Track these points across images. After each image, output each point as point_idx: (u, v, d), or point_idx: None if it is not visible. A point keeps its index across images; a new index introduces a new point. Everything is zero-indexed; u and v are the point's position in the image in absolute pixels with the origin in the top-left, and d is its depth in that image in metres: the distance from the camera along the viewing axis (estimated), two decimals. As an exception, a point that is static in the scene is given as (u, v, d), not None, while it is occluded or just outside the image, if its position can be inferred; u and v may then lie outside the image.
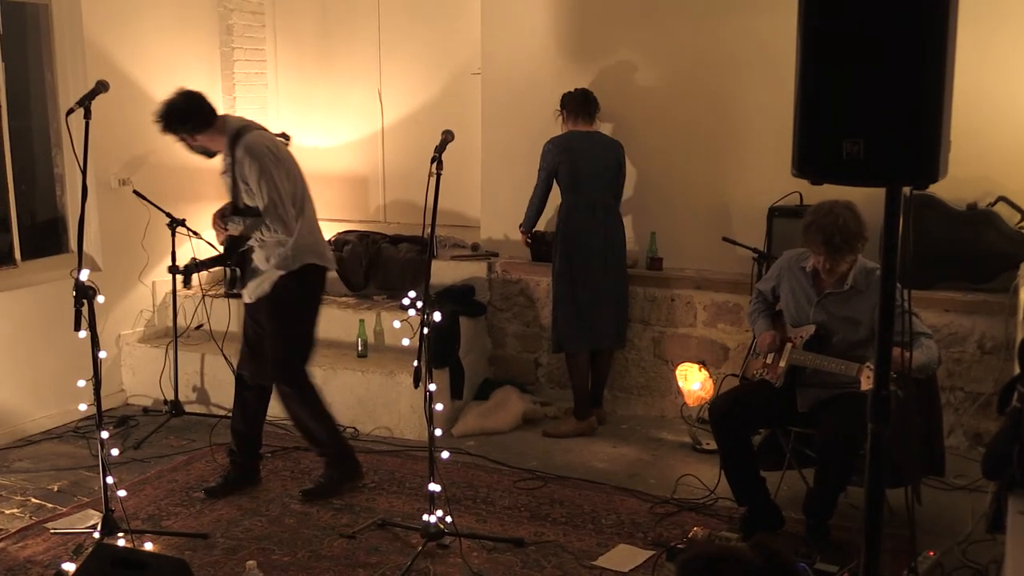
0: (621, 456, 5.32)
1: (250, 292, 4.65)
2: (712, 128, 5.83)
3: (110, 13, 6.08)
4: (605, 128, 5.76)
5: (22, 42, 5.91)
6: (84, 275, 3.99)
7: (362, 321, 6.00)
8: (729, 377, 5.45)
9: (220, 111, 4.59)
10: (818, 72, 2.26)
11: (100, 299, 4.08)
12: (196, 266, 5.38)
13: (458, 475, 4.97)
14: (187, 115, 4.40)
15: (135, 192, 5.99)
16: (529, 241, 5.92)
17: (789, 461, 4.40)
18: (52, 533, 4.36)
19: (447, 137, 4.18)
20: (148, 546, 4.14)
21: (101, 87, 4.24)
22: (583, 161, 5.42)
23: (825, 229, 3.98)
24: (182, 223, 5.88)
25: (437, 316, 4.29)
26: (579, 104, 5.49)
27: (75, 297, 3.95)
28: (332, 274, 4.87)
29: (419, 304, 4.15)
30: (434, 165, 4.04)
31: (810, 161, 2.31)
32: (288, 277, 4.55)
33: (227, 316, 6.30)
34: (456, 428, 5.67)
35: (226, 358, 5.97)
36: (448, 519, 4.21)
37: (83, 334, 3.99)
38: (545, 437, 5.59)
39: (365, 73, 7.07)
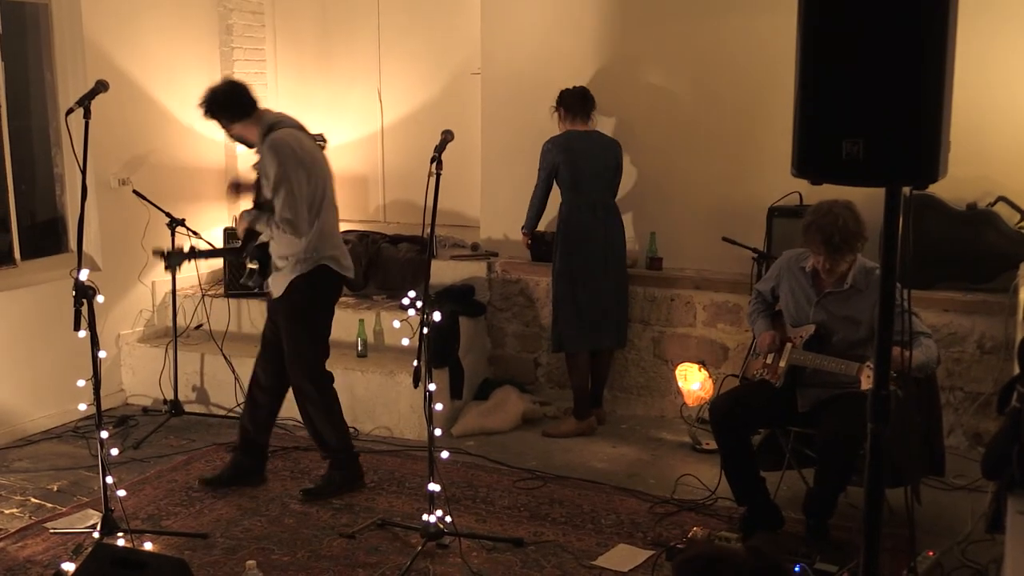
0: (621, 456, 5.32)
1: (272, 287, 4.69)
2: (712, 128, 5.83)
3: (110, 13, 6.08)
4: (605, 127, 5.76)
5: (22, 42, 5.91)
6: (84, 275, 3.99)
7: (362, 321, 6.00)
8: (729, 377, 5.46)
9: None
10: (818, 72, 2.26)
11: (100, 299, 4.07)
12: (187, 255, 5.39)
13: (458, 475, 4.97)
14: (226, 104, 4.49)
15: (135, 192, 5.99)
16: (530, 242, 5.92)
17: (789, 461, 4.40)
18: (52, 533, 4.36)
19: (447, 137, 4.18)
20: (148, 546, 4.14)
21: (101, 87, 4.25)
22: (583, 161, 5.42)
23: (825, 229, 3.98)
24: (182, 223, 5.88)
25: (437, 316, 4.29)
26: (577, 103, 5.49)
27: (75, 297, 3.95)
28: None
29: (419, 304, 4.15)
30: (434, 165, 4.04)
31: (810, 161, 2.31)
32: (301, 279, 4.56)
33: (227, 316, 6.32)
34: (456, 428, 5.67)
35: (226, 358, 5.98)
36: (448, 519, 4.21)
37: (83, 334, 3.98)
38: (545, 437, 5.59)
39: (365, 73, 7.07)
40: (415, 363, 4.08)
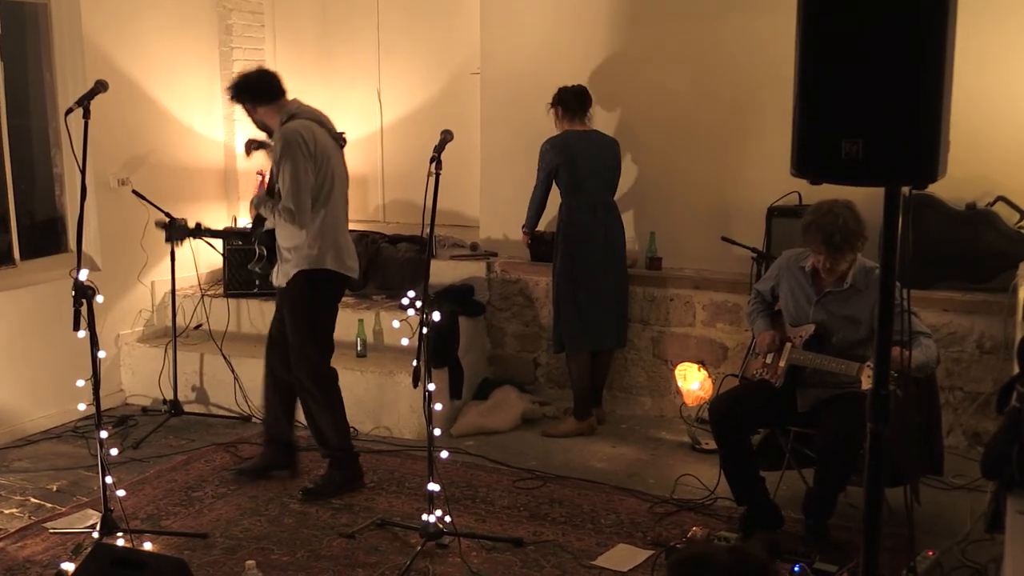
0: (620, 456, 5.32)
1: (278, 276, 4.74)
2: (711, 128, 5.83)
3: (109, 13, 6.08)
4: (605, 127, 5.75)
5: (21, 42, 5.91)
6: (83, 275, 3.99)
7: (361, 321, 6.00)
8: (728, 377, 5.46)
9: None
10: (817, 72, 2.26)
11: (99, 299, 4.07)
12: (191, 230, 5.43)
13: (457, 475, 4.97)
14: (252, 88, 4.62)
15: (134, 192, 5.99)
16: (530, 241, 5.91)
17: (788, 461, 4.40)
18: (51, 533, 4.36)
19: (446, 137, 4.18)
20: (147, 546, 4.13)
21: (100, 87, 4.25)
22: (582, 162, 5.42)
23: (825, 228, 3.98)
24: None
25: (436, 316, 4.29)
26: (577, 102, 5.47)
27: (74, 297, 3.95)
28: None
29: (418, 304, 4.15)
30: (433, 165, 4.04)
31: (809, 161, 2.31)
32: (302, 276, 4.60)
33: (226, 316, 6.32)
34: (455, 428, 5.67)
35: (225, 358, 5.98)
36: (447, 519, 4.21)
37: (82, 334, 3.98)
38: (544, 437, 5.59)
39: (364, 73, 7.07)
40: (414, 363, 4.08)
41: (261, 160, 6.76)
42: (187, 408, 6.02)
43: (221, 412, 6.04)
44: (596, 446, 5.45)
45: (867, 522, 2.46)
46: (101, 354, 4.11)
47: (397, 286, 6.24)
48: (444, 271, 6.25)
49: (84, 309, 3.97)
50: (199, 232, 5.54)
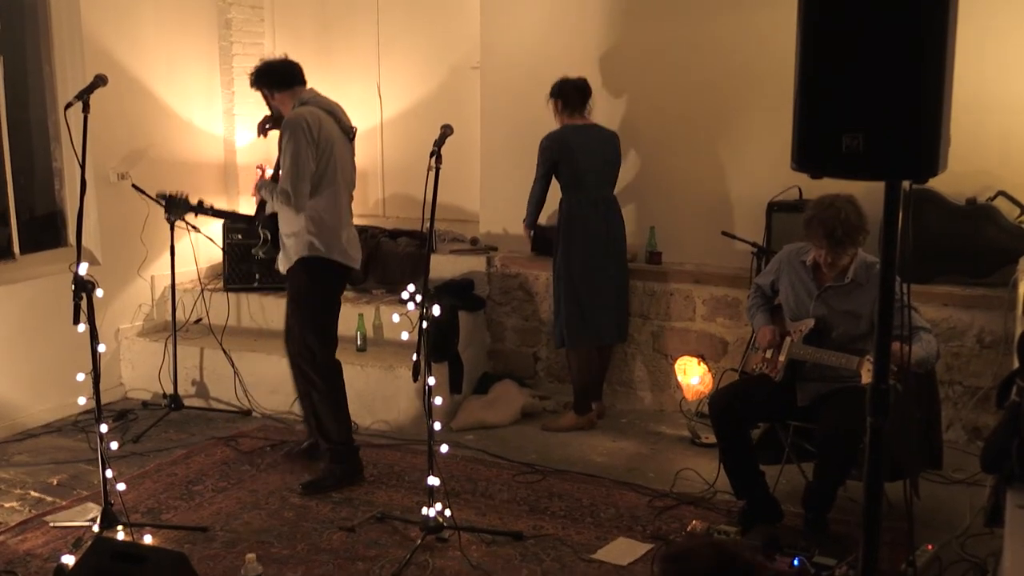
0: (620, 450, 5.33)
1: (281, 262, 4.78)
2: (711, 122, 5.82)
3: (108, 7, 6.06)
4: (605, 121, 5.74)
5: (20, 36, 5.90)
6: (83, 269, 3.99)
7: (361, 315, 6.00)
8: (728, 371, 5.44)
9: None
10: (818, 66, 2.26)
11: (99, 293, 4.07)
12: (193, 206, 5.44)
13: (457, 469, 4.97)
14: (272, 74, 4.71)
15: (134, 186, 5.99)
16: (532, 234, 5.87)
17: (788, 455, 4.40)
18: (51, 526, 4.36)
19: (446, 131, 4.18)
20: (147, 539, 4.14)
21: (100, 81, 4.25)
22: (582, 157, 5.41)
23: (827, 222, 3.98)
24: (173, 219, 5.86)
25: (436, 310, 4.29)
26: (577, 95, 5.45)
27: (74, 291, 3.95)
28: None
29: (418, 298, 4.15)
30: (433, 159, 4.04)
31: (809, 155, 2.31)
32: (299, 264, 4.64)
33: (226, 310, 6.32)
34: (455, 422, 5.67)
35: (225, 352, 5.98)
36: (447, 513, 4.21)
37: (82, 328, 3.98)
38: (544, 431, 5.60)
39: (364, 67, 7.06)
40: (414, 357, 4.08)
41: (262, 151, 6.79)
42: (187, 402, 6.02)
43: (221, 406, 6.04)
44: (596, 440, 5.46)
45: (867, 516, 2.46)
46: (101, 348, 4.11)
47: (397, 280, 6.24)
48: (444, 265, 6.25)
49: (84, 303, 3.98)
50: (201, 208, 5.54)
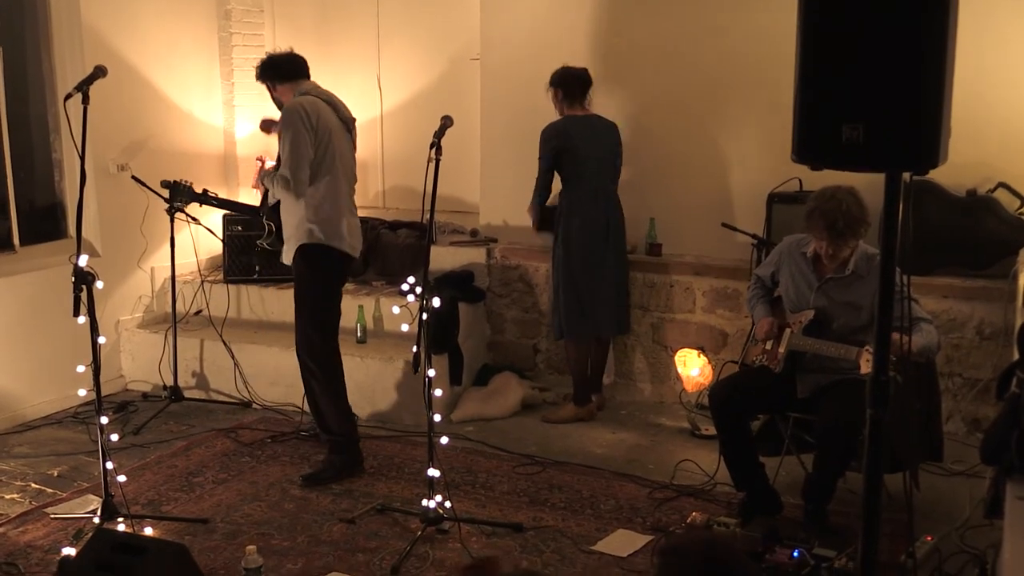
0: (620, 441, 5.33)
1: (284, 256, 4.80)
2: (711, 114, 5.81)
3: (108, -2, 6.06)
4: (605, 112, 5.72)
5: (20, 27, 5.89)
6: (83, 261, 3.99)
7: (361, 307, 6.00)
8: (728, 363, 5.46)
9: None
10: (818, 57, 2.25)
11: (99, 285, 4.08)
12: (197, 195, 5.45)
13: (457, 460, 4.98)
14: (275, 67, 4.75)
15: (133, 177, 5.97)
16: (536, 215, 5.70)
17: (788, 446, 4.41)
18: (52, 518, 4.37)
19: (446, 122, 4.17)
20: (148, 531, 4.15)
21: (99, 72, 4.24)
22: (584, 149, 5.39)
23: (828, 214, 3.97)
24: (181, 209, 5.86)
25: (436, 302, 4.29)
26: (578, 85, 5.42)
27: (74, 283, 3.95)
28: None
29: (418, 290, 4.15)
30: (433, 151, 4.04)
31: (810, 146, 2.31)
32: (299, 252, 4.65)
33: (226, 302, 6.32)
34: (455, 414, 5.68)
35: (225, 344, 5.98)
36: (447, 504, 4.22)
37: (82, 320, 3.99)
38: (544, 423, 5.60)
39: (364, 58, 7.05)
40: (414, 349, 4.09)
41: (262, 143, 6.78)
42: (187, 394, 6.02)
43: (221, 398, 6.05)
44: (596, 432, 5.46)
45: (866, 508, 2.46)
46: (101, 340, 4.12)
47: (397, 272, 6.23)
48: (444, 257, 6.25)
49: (84, 295, 3.98)
50: (205, 198, 5.54)
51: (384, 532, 4.23)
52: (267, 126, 4.99)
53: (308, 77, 4.79)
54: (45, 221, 6.07)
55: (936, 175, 2.67)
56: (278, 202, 4.74)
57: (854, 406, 3.52)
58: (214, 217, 6.47)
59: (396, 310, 5.66)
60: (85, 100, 4.08)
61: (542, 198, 5.59)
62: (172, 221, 5.83)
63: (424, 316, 4.11)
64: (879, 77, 2.18)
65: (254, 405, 5.90)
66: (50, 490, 4.72)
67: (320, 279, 4.73)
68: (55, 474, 4.93)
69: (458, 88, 6.58)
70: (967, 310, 5.09)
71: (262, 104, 5.01)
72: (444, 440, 4.33)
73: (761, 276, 4.52)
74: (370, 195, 7.17)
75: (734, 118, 5.75)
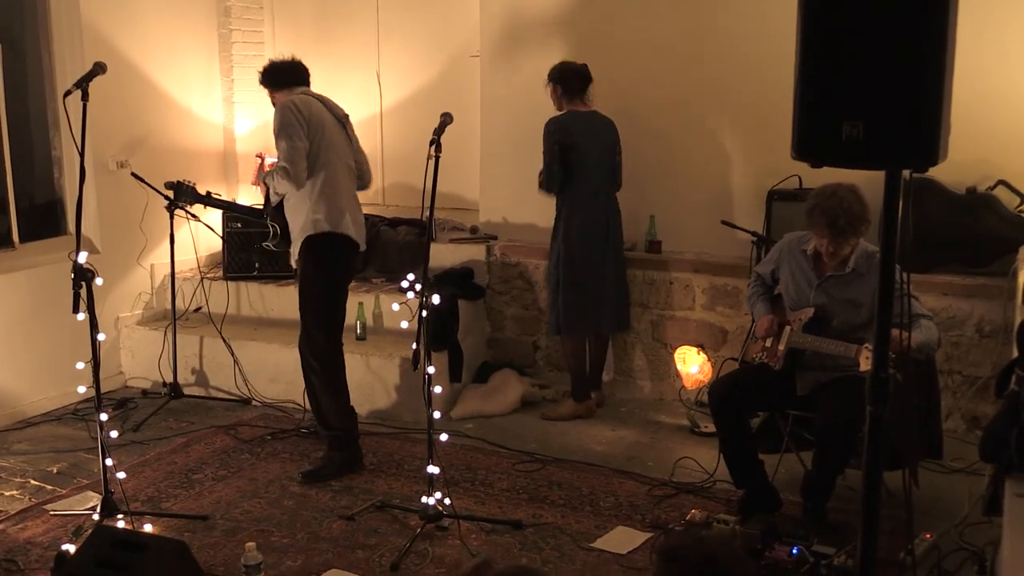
0: (619, 439, 5.33)
1: (292, 259, 4.83)
2: (711, 111, 5.81)
3: (107, -6, 6.06)
4: (604, 109, 5.72)
5: (20, 24, 5.88)
6: (82, 257, 3.99)
7: (361, 304, 6.00)
8: (728, 360, 5.45)
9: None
10: (818, 54, 2.25)
11: (98, 281, 4.07)
12: (201, 196, 5.46)
13: (457, 457, 4.98)
14: (274, 74, 4.84)
15: (133, 174, 5.97)
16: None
17: (787, 444, 4.41)
18: (52, 515, 4.37)
19: (446, 119, 4.17)
20: (147, 528, 4.15)
21: (99, 69, 4.23)
22: (584, 145, 5.38)
23: (829, 212, 3.97)
24: (181, 206, 5.86)
25: (436, 299, 4.29)
26: (578, 81, 5.41)
27: (73, 279, 3.95)
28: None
29: (418, 287, 4.15)
30: (433, 147, 4.03)
31: (809, 144, 2.31)
32: (304, 246, 4.67)
33: (226, 299, 6.32)
34: (455, 411, 5.68)
35: (225, 341, 5.98)
36: (447, 501, 4.22)
37: (82, 316, 3.98)
38: (543, 420, 5.60)
39: (363, 55, 7.04)
40: (414, 346, 4.09)
41: (262, 139, 6.77)
42: (187, 391, 6.03)
43: (221, 395, 6.05)
44: (595, 429, 5.46)
45: (865, 505, 2.46)
46: (101, 337, 4.11)
47: (397, 269, 6.23)
48: (444, 254, 6.25)
49: (83, 292, 3.98)
50: (208, 199, 5.55)
51: (384, 529, 4.23)
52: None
53: (307, 84, 4.84)
54: (45, 218, 6.07)
55: (936, 172, 2.66)
56: (281, 203, 4.74)
57: (854, 403, 3.51)
58: (214, 214, 6.47)
59: (396, 307, 5.65)
60: (85, 97, 4.07)
61: (557, 180, 5.40)
62: (172, 218, 5.84)
63: (424, 313, 4.11)
64: (879, 74, 2.18)
65: (254, 402, 5.91)
66: (50, 487, 4.73)
67: (325, 275, 4.73)
68: (55, 471, 4.93)
69: (458, 85, 6.58)
70: (967, 308, 5.09)
71: (261, 101, 5.02)
72: (443, 437, 4.33)
73: (761, 273, 4.52)
74: (370, 192, 7.07)
75: (734, 115, 5.75)
